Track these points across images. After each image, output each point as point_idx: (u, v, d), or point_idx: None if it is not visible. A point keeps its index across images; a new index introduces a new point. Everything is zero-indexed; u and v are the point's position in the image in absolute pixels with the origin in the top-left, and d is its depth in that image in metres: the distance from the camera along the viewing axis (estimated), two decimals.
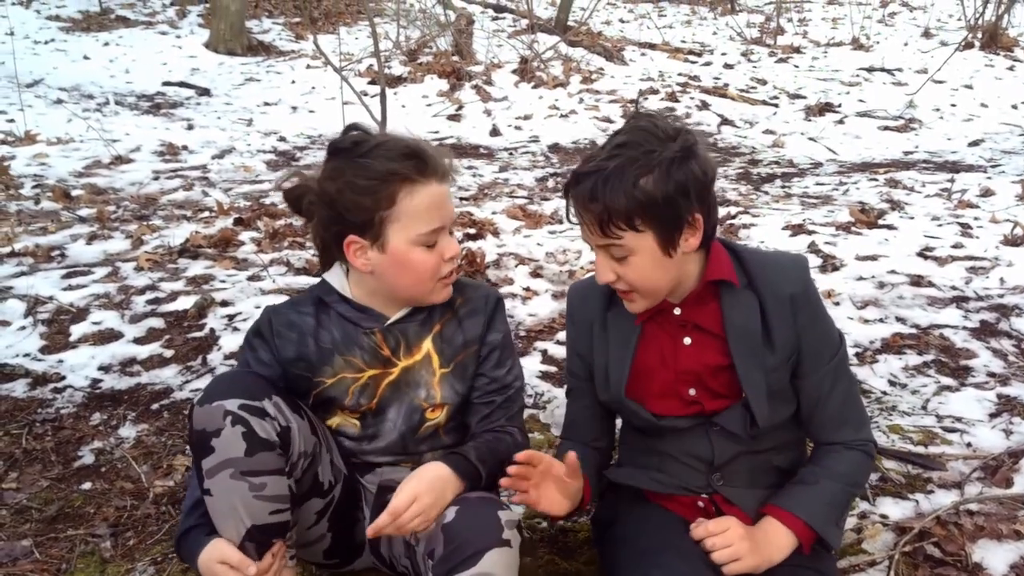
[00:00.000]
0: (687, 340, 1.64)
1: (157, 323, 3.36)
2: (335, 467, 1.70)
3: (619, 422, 1.88)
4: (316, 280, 1.85)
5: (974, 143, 7.44)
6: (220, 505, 1.50)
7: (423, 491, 1.49)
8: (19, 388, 2.87)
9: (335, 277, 1.74)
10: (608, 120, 8.18)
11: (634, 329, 1.68)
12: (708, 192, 1.52)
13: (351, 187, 1.58)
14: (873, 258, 4.04)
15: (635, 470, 1.77)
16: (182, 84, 9.44)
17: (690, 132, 1.52)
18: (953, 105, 8.69)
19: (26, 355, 3.10)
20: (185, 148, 6.64)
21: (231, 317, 3.39)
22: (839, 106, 8.61)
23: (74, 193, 5.22)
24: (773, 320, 1.60)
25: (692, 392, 1.65)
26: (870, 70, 9.99)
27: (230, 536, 1.51)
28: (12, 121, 6.85)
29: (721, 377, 1.63)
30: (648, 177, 1.45)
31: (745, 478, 1.68)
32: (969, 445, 2.51)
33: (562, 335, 3.32)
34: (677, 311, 1.64)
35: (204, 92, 9.23)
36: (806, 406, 1.68)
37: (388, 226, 1.59)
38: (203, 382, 2.93)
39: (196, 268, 3.94)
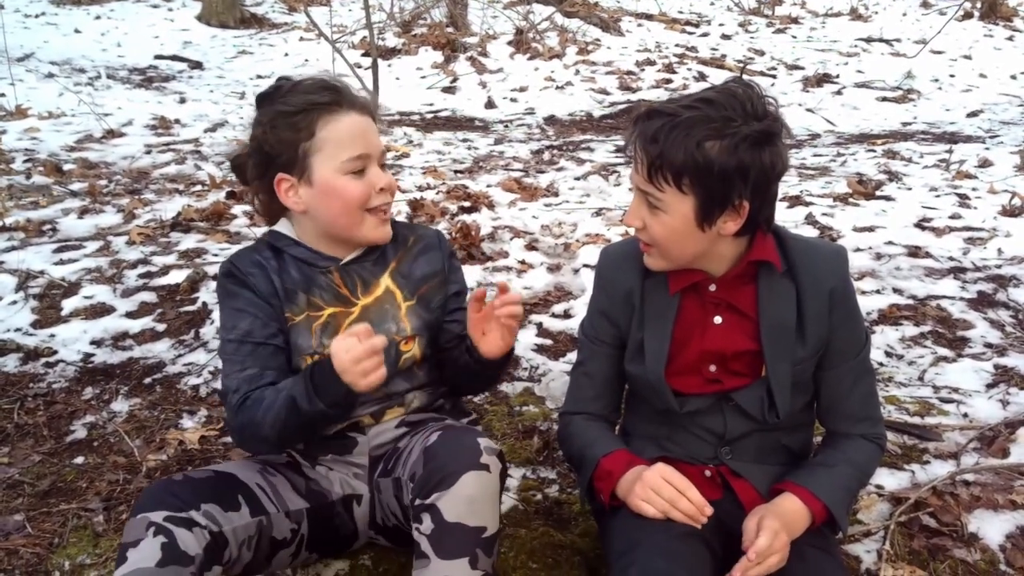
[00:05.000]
0: (717, 319, 1.61)
1: (149, 297, 3.34)
2: (292, 516, 1.66)
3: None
4: None
5: (973, 114, 7.40)
6: None
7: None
8: (11, 363, 2.86)
9: (282, 228, 1.76)
10: (605, 92, 8.12)
11: (671, 302, 1.63)
12: (768, 186, 1.46)
13: (274, 124, 1.62)
14: (870, 229, 4.02)
15: (642, 441, 1.74)
16: (174, 57, 9.35)
17: (779, 121, 1.46)
18: (952, 76, 8.63)
19: (17, 330, 3.08)
20: (177, 122, 6.58)
21: None
22: (837, 77, 8.56)
23: (66, 167, 5.17)
24: (809, 313, 1.57)
25: (712, 369, 1.63)
26: (868, 40, 9.92)
27: None
28: (3, 95, 6.76)
29: (744, 359, 1.61)
30: (715, 143, 1.40)
31: (753, 454, 1.67)
32: (966, 416, 2.50)
33: (557, 307, 3.31)
34: (712, 287, 1.60)
35: (196, 65, 9.14)
36: (826, 398, 1.67)
37: (312, 157, 1.61)
38: (196, 356, 2.92)
39: (188, 242, 3.91)
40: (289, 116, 1.61)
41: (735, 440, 1.66)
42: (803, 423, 1.73)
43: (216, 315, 3.16)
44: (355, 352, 1.45)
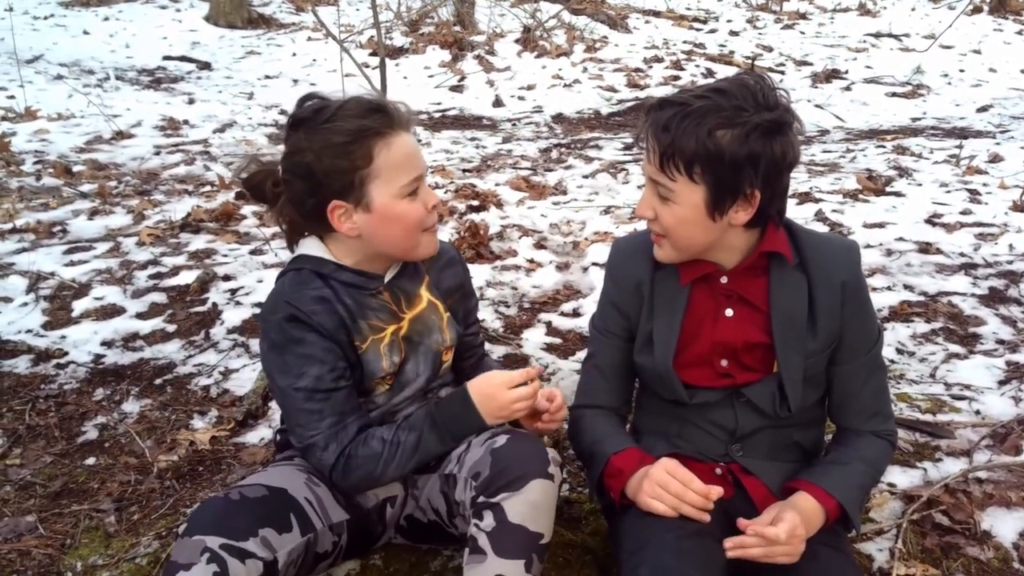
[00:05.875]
0: (729, 312, 1.61)
1: (159, 298, 3.35)
2: (334, 528, 1.66)
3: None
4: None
5: (982, 109, 7.35)
6: None
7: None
8: (22, 364, 2.87)
9: (315, 251, 1.68)
10: (612, 89, 8.10)
11: (681, 293, 1.63)
12: (779, 176, 1.47)
13: (326, 151, 1.56)
14: (881, 225, 4.00)
15: (652, 438, 1.74)
16: (183, 58, 9.37)
17: (791, 112, 1.47)
18: (961, 71, 8.59)
19: (28, 331, 3.09)
20: (186, 122, 6.60)
21: (233, 291, 3.38)
22: (846, 72, 8.52)
23: (75, 169, 5.19)
24: (820, 305, 1.57)
25: (724, 363, 1.62)
26: (877, 36, 9.88)
27: None
28: (12, 97, 6.81)
29: (755, 352, 1.61)
30: (726, 132, 1.41)
31: (764, 451, 1.67)
32: (978, 413, 2.49)
33: (567, 306, 3.30)
34: (724, 279, 1.60)
35: (205, 66, 9.16)
36: (838, 393, 1.66)
37: (369, 184, 1.57)
38: (206, 357, 2.92)
39: (198, 242, 3.92)
40: (343, 144, 1.55)
41: (746, 436, 1.66)
42: (815, 419, 1.72)
43: (226, 315, 3.17)
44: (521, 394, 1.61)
